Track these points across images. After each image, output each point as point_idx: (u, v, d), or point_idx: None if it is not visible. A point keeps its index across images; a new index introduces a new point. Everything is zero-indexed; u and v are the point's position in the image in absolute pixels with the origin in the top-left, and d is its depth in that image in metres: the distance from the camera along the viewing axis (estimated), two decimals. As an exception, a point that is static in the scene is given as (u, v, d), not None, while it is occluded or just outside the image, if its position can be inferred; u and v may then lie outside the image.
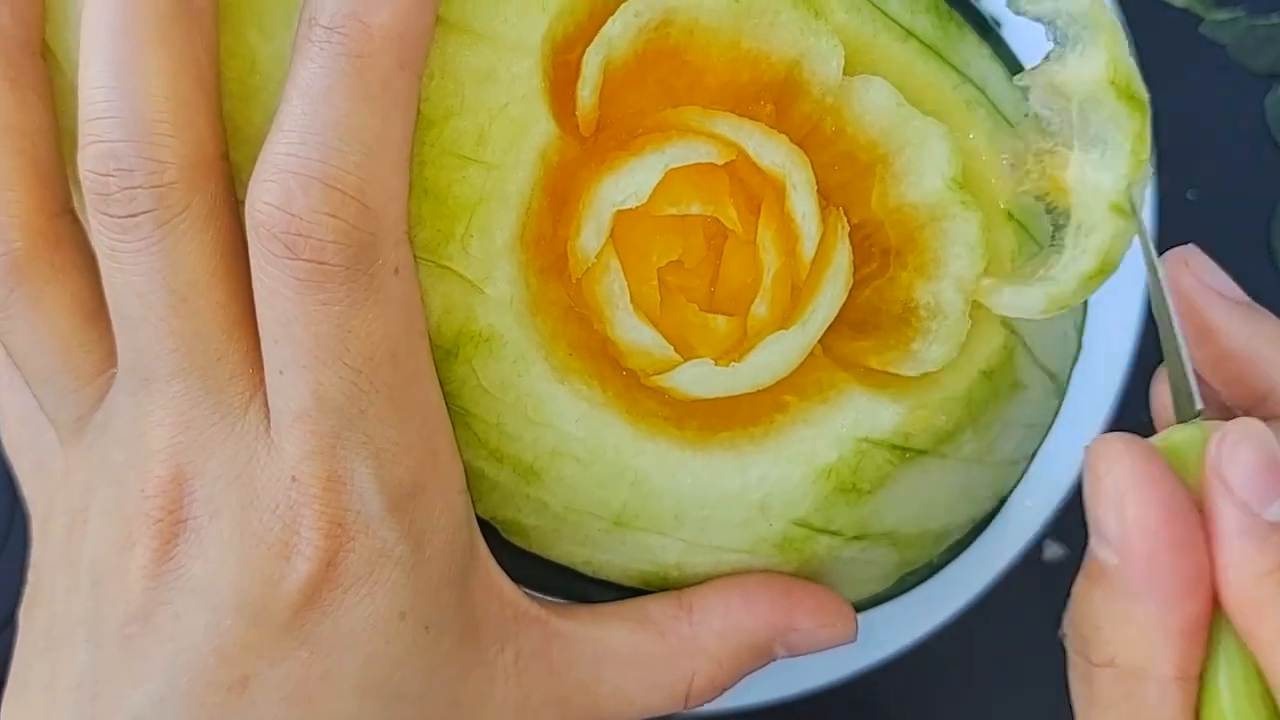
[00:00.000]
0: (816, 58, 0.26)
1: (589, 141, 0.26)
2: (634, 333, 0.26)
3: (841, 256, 0.27)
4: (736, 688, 0.41)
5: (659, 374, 0.27)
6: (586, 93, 0.25)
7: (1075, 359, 0.32)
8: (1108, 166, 0.25)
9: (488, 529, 0.28)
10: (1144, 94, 0.24)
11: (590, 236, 0.26)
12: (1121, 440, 0.22)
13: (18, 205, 0.25)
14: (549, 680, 0.27)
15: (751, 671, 0.29)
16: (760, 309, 0.27)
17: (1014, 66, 0.30)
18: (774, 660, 0.29)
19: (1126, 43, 0.25)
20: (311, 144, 0.22)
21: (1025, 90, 0.26)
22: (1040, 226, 0.29)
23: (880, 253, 0.28)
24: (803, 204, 0.27)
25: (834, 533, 0.28)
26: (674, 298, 0.27)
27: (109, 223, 0.23)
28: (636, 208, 0.26)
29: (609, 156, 0.26)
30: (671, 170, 0.26)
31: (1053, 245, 0.26)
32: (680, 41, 0.26)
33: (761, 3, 0.26)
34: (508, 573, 0.29)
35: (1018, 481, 0.32)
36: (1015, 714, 0.46)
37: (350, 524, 0.24)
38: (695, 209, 0.27)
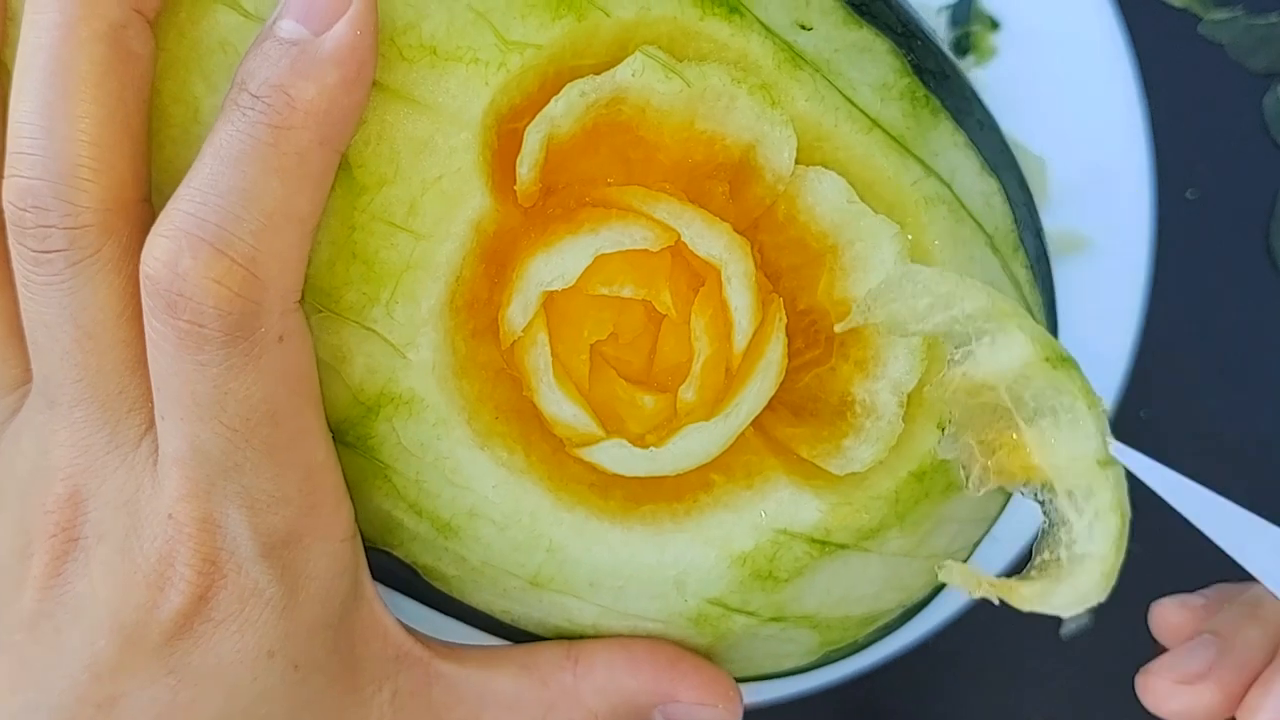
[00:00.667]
0: (770, 145, 0.26)
1: (534, 208, 0.26)
2: (556, 406, 0.26)
3: (775, 351, 0.27)
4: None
5: (582, 447, 0.27)
6: (525, 169, 0.25)
7: None
8: (1072, 430, 0.24)
9: (411, 570, 0.29)
10: (1066, 350, 0.24)
11: (517, 312, 0.26)
12: None
13: None
14: None
15: None
16: (688, 394, 0.27)
17: (993, 152, 0.30)
18: None
19: (1029, 313, 0.26)
20: (212, 206, 0.22)
21: (947, 433, 0.25)
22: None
23: (825, 340, 0.28)
24: (737, 296, 0.26)
25: (750, 613, 0.28)
26: (604, 371, 0.27)
27: (25, 253, 0.24)
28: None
29: (548, 228, 0.26)
30: (604, 253, 0.26)
31: (1052, 525, 0.25)
32: (633, 118, 0.26)
33: (717, 88, 0.25)
34: (439, 607, 0.30)
35: None
36: (1015, 714, 0.46)
37: (223, 563, 0.24)
38: (627, 291, 0.26)
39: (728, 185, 0.27)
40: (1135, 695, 0.46)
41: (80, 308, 0.24)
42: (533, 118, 0.25)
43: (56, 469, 0.25)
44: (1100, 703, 0.46)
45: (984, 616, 0.42)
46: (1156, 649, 0.45)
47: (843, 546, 0.28)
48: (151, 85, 0.25)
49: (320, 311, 0.25)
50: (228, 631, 0.25)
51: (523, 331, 0.26)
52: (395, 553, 0.28)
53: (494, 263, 0.26)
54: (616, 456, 0.27)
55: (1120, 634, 0.45)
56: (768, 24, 0.26)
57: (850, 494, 0.28)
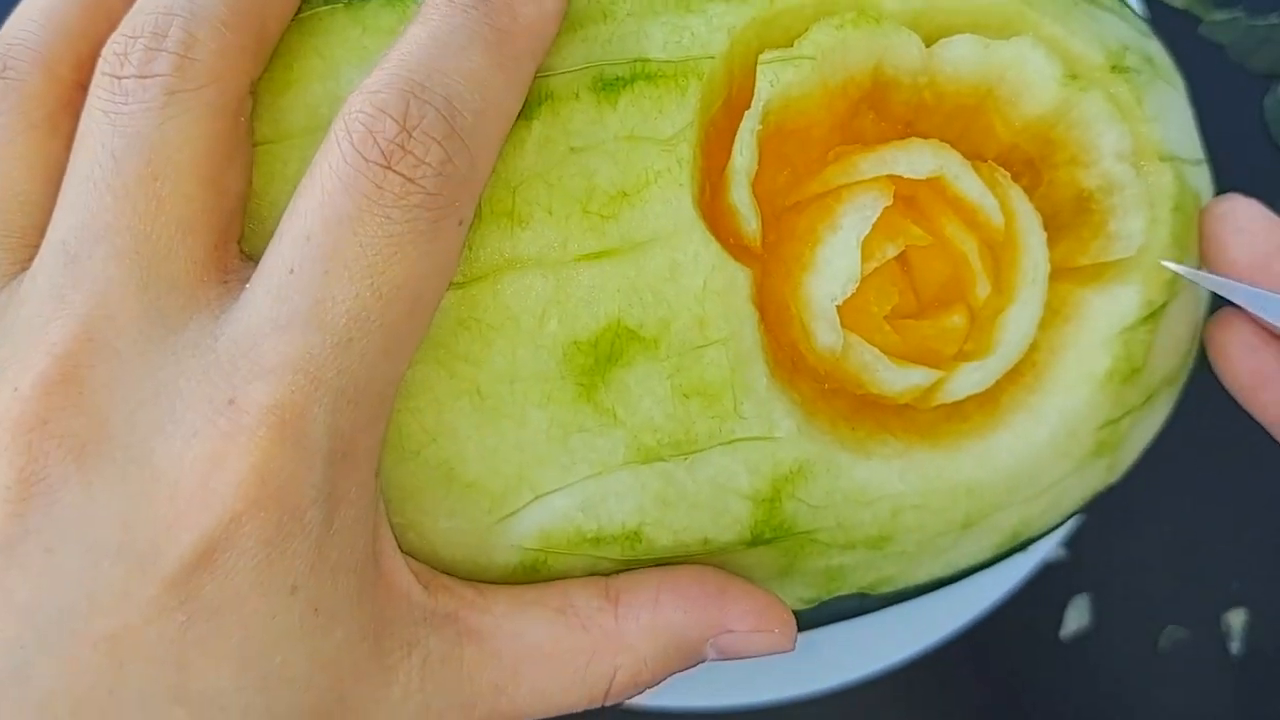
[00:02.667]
0: (896, 54, 0.27)
1: (760, 252, 0.27)
2: (902, 380, 0.27)
3: (1022, 202, 0.28)
4: (740, 684, 0.40)
5: (934, 394, 0.28)
6: (752, 226, 0.26)
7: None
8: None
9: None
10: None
11: (827, 335, 0.26)
12: None
13: (60, 51, 0.24)
14: (457, 685, 0.25)
15: (679, 671, 0.27)
16: (982, 290, 0.28)
17: None
18: (704, 662, 0.27)
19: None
20: (438, 80, 0.22)
21: None
22: (1141, 65, 0.30)
23: (1024, 166, 0.29)
24: (971, 186, 0.27)
25: (1130, 410, 0.30)
26: (903, 326, 0.28)
27: (112, 84, 0.22)
28: None
29: (782, 254, 0.27)
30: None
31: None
32: (781, 121, 0.27)
33: (830, 43, 0.26)
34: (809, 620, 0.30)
35: None
36: (1017, 715, 0.46)
37: (279, 469, 0.21)
38: (891, 251, 0.27)
39: (873, 112, 0.28)
40: (1135, 696, 0.46)
41: (162, 140, 0.22)
42: (711, 188, 0.26)
43: (51, 344, 0.21)
44: (1100, 703, 0.46)
45: (987, 618, 0.42)
46: (1155, 652, 0.46)
47: (1164, 305, 0.29)
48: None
49: (683, 456, 0.26)
50: (255, 559, 0.21)
51: (841, 346, 0.27)
52: (840, 593, 0.29)
53: (768, 314, 0.27)
54: (977, 378, 0.28)
55: (1120, 634, 0.45)
56: None
57: (1143, 260, 0.29)
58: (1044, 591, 0.46)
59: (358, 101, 0.22)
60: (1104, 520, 0.47)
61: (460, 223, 0.23)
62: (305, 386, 0.21)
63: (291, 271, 0.21)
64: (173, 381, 0.21)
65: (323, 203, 0.21)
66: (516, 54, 0.23)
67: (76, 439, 0.21)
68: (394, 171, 0.21)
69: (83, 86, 0.24)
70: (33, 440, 0.21)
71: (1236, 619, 0.46)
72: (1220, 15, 0.46)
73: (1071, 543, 0.45)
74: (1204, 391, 0.46)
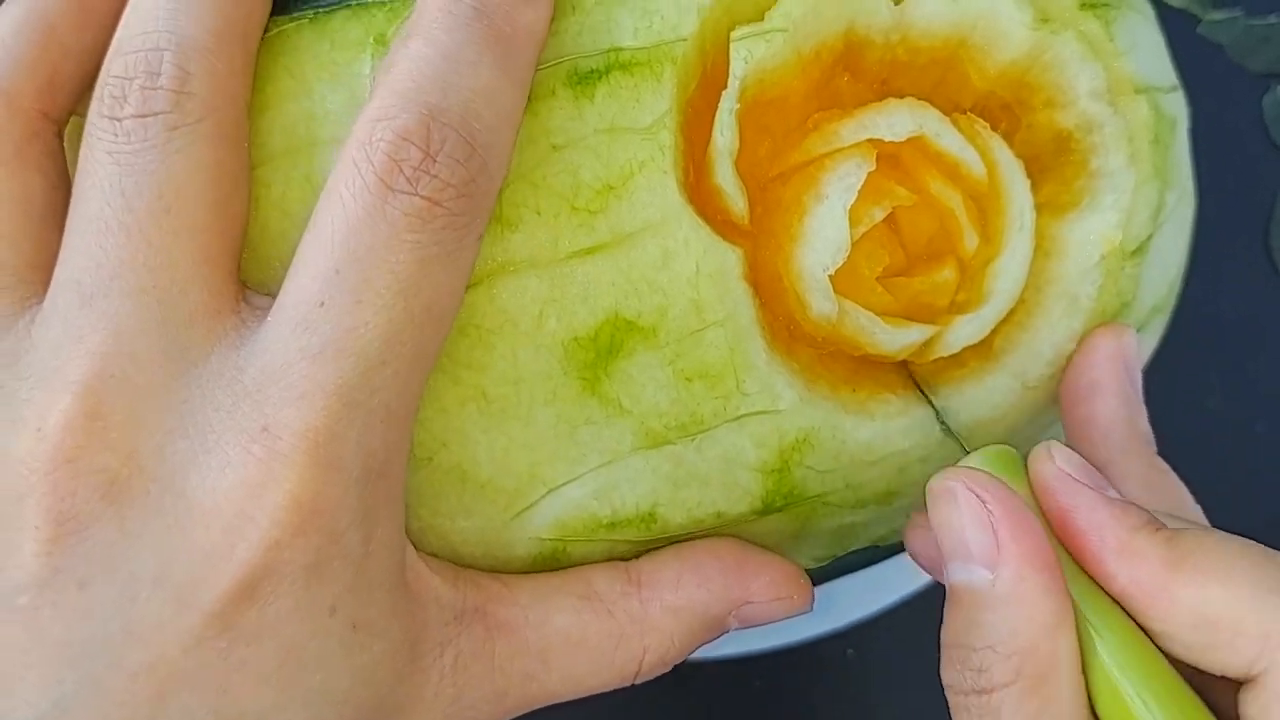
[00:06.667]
0: (865, 16, 0.27)
1: (749, 229, 0.27)
2: (898, 339, 0.28)
3: (1004, 153, 0.28)
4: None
5: (932, 348, 0.28)
6: (739, 206, 0.26)
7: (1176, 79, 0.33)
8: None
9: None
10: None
11: (822, 304, 0.27)
12: (964, 473, 0.24)
13: (19, 83, 0.24)
14: (488, 677, 0.25)
15: (705, 644, 0.28)
16: (970, 242, 0.28)
17: None
18: (727, 631, 0.28)
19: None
20: (454, 99, 0.22)
21: None
22: None
23: (1003, 112, 0.29)
24: (951, 141, 0.27)
25: (1127, 301, 0.30)
26: (895, 284, 0.28)
27: (112, 126, 0.22)
28: None
29: (770, 227, 0.27)
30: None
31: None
32: (757, 94, 0.27)
33: (799, 11, 0.26)
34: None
35: None
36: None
37: (317, 494, 0.21)
38: (878, 214, 0.27)
39: (848, 73, 0.28)
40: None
41: (169, 177, 0.22)
42: (695, 170, 0.26)
43: (71, 381, 0.21)
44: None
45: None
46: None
47: (1150, 236, 0.30)
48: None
49: (690, 438, 0.26)
50: (295, 585, 0.21)
51: (837, 313, 0.27)
52: (853, 548, 0.30)
53: (763, 289, 0.27)
54: (971, 330, 0.28)
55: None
56: None
57: (1130, 195, 0.29)
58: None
59: (377, 129, 0.22)
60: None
61: (479, 236, 0.23)
62: (338, 409, 0.21)
63: (322, 305, 0.21)
64: (200, 413, 0.21)
65: (349, 234, 0.21)
66: (520, 61, 0.23)
67: (104, 475, 0.21)
68: (420, 197, 0.21)
69: (46, 115, 0.24)
70: (59, 479, 0.21)
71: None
72: (1219, 15, 0.46)
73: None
74: (1201, 392, 0.46)
